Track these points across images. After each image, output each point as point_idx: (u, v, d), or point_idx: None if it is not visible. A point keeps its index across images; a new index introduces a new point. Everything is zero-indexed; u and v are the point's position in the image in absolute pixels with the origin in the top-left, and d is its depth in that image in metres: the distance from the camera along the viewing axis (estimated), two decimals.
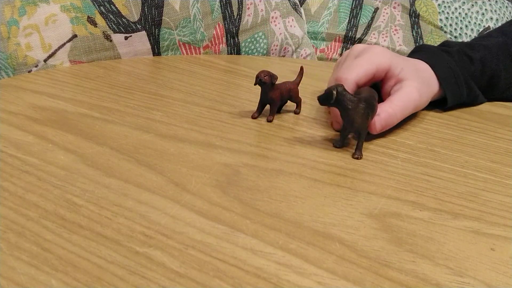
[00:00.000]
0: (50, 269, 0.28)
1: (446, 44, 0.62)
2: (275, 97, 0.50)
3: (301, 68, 0.54)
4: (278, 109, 0.53)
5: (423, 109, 0.57)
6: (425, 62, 0.57)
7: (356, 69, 0.50)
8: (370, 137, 0.49)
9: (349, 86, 0.49)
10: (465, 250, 0.33)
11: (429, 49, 0.60)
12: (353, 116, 0.43)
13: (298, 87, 0.53)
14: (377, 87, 0.54)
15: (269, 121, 0.50)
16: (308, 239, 0.32)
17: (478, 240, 0.34)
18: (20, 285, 0.27)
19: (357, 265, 0.31)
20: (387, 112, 0.49)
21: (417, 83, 0.52)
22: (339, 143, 0.46)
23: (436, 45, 0.63)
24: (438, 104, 0.59)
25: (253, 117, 0.51)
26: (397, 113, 0.50)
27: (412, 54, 0.60)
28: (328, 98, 0.43)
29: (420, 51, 0.60)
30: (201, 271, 0.29)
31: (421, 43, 0.93)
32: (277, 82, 0.50)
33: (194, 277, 0.28)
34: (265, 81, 0.48)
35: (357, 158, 0.44)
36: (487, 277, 0.31)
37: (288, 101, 0.53)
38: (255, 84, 0.49)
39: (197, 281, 0.28)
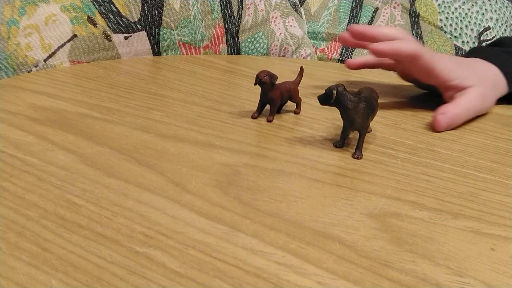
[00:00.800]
0: (50, 269, 0.28)
1: (500, 44, 0.64)
2: (275, 97, 0.50)
3: (301, 68, 0.54)
4: (278, 109, 0.53)
5: (424, 108, 0.57)
6: (492, 63, 0.58)
7: (421, 50, 0.51)
8: (370, 137, 0.49)
9: (400, 52, 0.51)
10: (465, 250, 0.33)
11: (490, 50, 0.62)
12: (353, 116, 0.43)
13: (298, 87, 0.53)
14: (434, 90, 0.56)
15: (269, 121, 0.50)
16: (308, 239, 0.32)
17: (478, 240, 0.34)
18: (20, 285, 0.27)
19: (357, 265, 0.31)
20: (453, 112, 0.51)
21: (482, 88, 0.54)
22: (340, 143, 0.46)
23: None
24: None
25: (253, 117, 0.51)
26: (462, 115, 0.52)
27: (471, 54, 0.62)
28: (328, 97, 0.43)
29: (481, 52, 0.62)
30: (201, 271, 0.29)
31: (421, 43, 0.93)
32: (277, 82, 0.50)
33: (194, 277, 0.28)
34: (265, 81, 0.48)
35: (357, 158, 0.44)
36: (487, 277, 0.31)
37: (288, 101, 0.53)
38: (255, 84, 0.49)
39: (197, 281, 0.28)
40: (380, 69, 0.63)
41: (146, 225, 0.32)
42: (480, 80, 0.55)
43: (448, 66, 0.53)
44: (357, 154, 0.44)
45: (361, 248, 0.32)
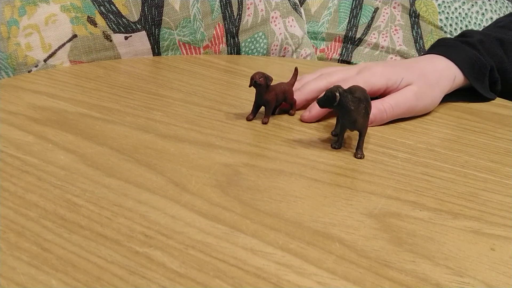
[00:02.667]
0: (50, 269, 0.28)
1: (464, 35, 0.64)
2: (270, 99, 0.50)
3: (296, 69, 0.54)
4: (273, 111, 0.52)
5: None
6: (444, 56, 0.59)
7: (369, 81, 0.52)
8: (370, 137, 0.49)
9: (321, 88, 0.52)
10: (465, 250, 0.33)
11: (448, 43, 0.62)
12: (355, 117, 0.43)
13: (293, 88, 0.53)
14: None
15: (264, 123, 0.50)
16: (308, 239, 0.32)
17: (478, 240, 0.34)
18: (20, 285, 0.27)
19: (357, 265, 0.31)
20: (377, 108, 0.50)
21: (417, 87, 0.53)
22: (338, 144, 0.46)
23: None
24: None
25: (248, 119, 0.51)
26: (387, 110, 0.51)
27: (431, 49, 0.62)
28: (331, 100, 0.43)
29: (439, 46, 0.62)
30: (201, 271, 0.29)
31: (421, 43, 0.93)
32: (272, 83, 0.50)
33: (194, 277, 0.28)
34: (260, 83, 0.48)
35: (360, 158, 0.44)
36: (487, 277, 0.31)
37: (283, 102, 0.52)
38: (250, 86, 0.49)
39: (197, 281, 0.28)
40: None
41: (146, 225, 0.32)
42: (417, 78, 0.54)
43: (381, 78, 0.53)
44: (360, 153, 0.44)
45: (361, 248, 0.32)
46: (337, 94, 0.42)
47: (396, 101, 0.52)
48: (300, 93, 0.54)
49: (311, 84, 0.54)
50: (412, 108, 0.54)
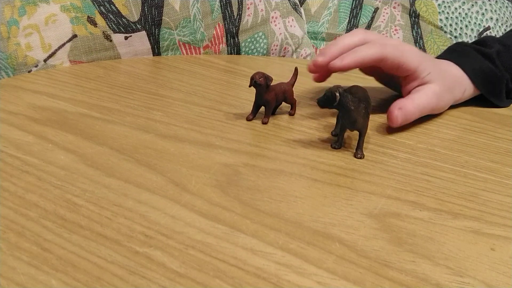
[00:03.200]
0: (50, 269, 0.28)
1: (483, 43, 0.62)
2: (270, 99, 0.50)
3: (296, 69, 0.54)
4: (272, 111, 0.52)
5: None
6: (458, 66, 0.58)
7: (390, 48, 0.51)
8: (370, 137, 0.49)
9: (375, 56, 0.50)
10: (465, 250, 0.33)
11: (464, 51, 0.61)
12: (355, 117, 0.43)
13: (293, 88, 0.53)
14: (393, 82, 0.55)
15: (264, 123, 0.50)
16: (308, 239, 0.32)
17: (478, 240, 0.34)
18: (20, 285, 0.27)
19: (357, 265, 0.31)
20: (409, 109, 0.50)
21: (439, 88, 0.53)
22: (338, 145, 0.46)
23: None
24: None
25: (248, 119, 0.51)
26: (416, 113, 0.52)
27: (447, 53, 0.61)
28: (331, 100, 0.43)
29: (455, 52, 0.61)
30: (201, 271, 0.29)
31: (421, 43, 0.93)
32: (272, 83, 0.50)
33: (194, 277, 0.28)
34: (260, 83, 0.48)
35: (360, 158, 0.44)
36: (487, 277, 0.31)
37: (283, 102, 0.52)
38: (249, 86, 0.49)
39: (197, 281, 0.28)
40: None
41: (146, 225, 0.32)
42: (440, 78, 0.54)
43: (415, 57, 0.52)
44: (359, 153, 0.44)
45: (361, 248, 0.32)
46: (337, 94, 0.42)
47: (423, 104, 0.52)
48: (334, 46, 0.53)
49: (346, 38, 0.53)
50: (433, 110, 0.54)
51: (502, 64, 0.59)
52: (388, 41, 0.54)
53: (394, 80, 0.57)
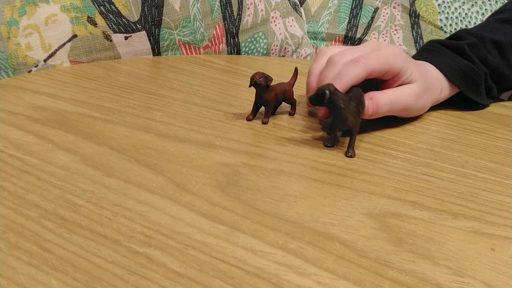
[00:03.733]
0: (50, 269, 0.28)
1: (457, 37, 0.61)
2: (270, 99, 0.50)
3: (296, 69, 0.54)
4: (272, 111, 0.52)
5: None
6: (434, 66, 0.57)
7: (373, 61, 0.49)
8: (370, 137, 0.49)
9: (362, 75, 0.48)
10: (465, 250, 0.33)
11: (438, 50, 0.60)
12: (345, 115, 0.43)
13: (293, 88, 0.53)
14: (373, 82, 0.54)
15: (264, 123, 0.50)
16: (308, 239, 0.32)
17: (478, 240, 0.34)
18: (20, 285, 0.27)
19: (357, 265, 0.31)
20: (379, 101, 0.49)
21: (418, 88, 0.52)
22: (330, 142, 0.46)
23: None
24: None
25: (248, 119, 0.51)
26: (386, 105, 0.49)
27: (421, 53, 0.60)
28: (321, 98, 0.43)
29: (429, 51, 0.60)
30: (201, 271, 0.29)
31: (421, 43, 0.93)
32: (272, 83, 0.50)
33: (194, 277, 0.28)
34: (260, 83, 0.48)
35: (351, 156, 0.44)
36: (487, 277, 0.31)
37: (283, 102, 0.52)
38: (250, 86, 0.49)
39: (197, 281, 0.28)
40: None
41: (146, 225, 0.32)
42: (421, 78, 0.53)
43: (399, 60, 0.51)
44: (350, 152, 0.44)
45: (361, 248, 0.32)
46: (327, 91, 0.42)
47: (396, 97, 0.50)
48: (310, 77, 0.52)
49: (314, 65, 0.53)
50: (409, 109, 0.52)
51: (476, 57, 0.58)
52: (363, 49, 0.52)
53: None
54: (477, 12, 0.95)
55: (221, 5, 0.74)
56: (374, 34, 0.93)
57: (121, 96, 0.54)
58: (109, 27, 0.65)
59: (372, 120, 0.50)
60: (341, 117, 0.44)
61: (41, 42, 0.61)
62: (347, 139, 0.47)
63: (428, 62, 0.57)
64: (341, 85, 0.47)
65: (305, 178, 0.40)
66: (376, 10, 0.93)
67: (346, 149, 0.45)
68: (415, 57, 0.59)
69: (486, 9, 0.95)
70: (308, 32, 0.90)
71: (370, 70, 0.48)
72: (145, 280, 0.28)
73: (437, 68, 0.57)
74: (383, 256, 0.32)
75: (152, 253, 0.30)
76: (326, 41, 0.91)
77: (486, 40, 0.60)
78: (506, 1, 0.92)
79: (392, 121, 0.53)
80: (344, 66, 0.49)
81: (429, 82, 0.55)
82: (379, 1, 0.93)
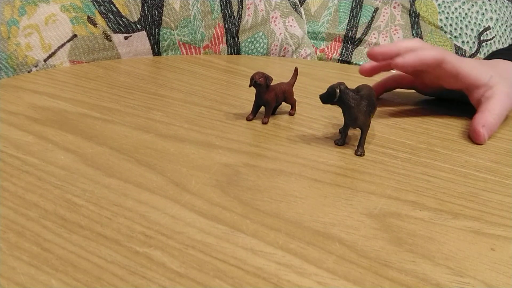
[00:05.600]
0: (50, 269, 0.28)
1: None
2: (270, 99, 0.50)
3: (295, 69, 0.54)
4: (272, 111, 0.52)
5: (424, 108, 0.57)
6: (508, 60, 0.58)
7: (446, 54, 0.51)
8: (370, 137, 0.49)
9: (427, 61, 0.51)
10: (465, 250, 0.33)
11: (505, 51, 0.62)
12: (356, 114, 0.43)
13: (293, 88, 0.53)
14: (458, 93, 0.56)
15: (264, 123, 0.50)
16: (308, 239, 0.32)
17: (478, 240, 0.34)
18: (20, 285, 0.27)
19: (357, 265, 0.31)
20: (491, 123, 0.51)
21: (507, 88, 0.54)
22: (341, 141, 0.46)
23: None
24: None
25: (248, 119, 0.51)
26: (498, 123, 0.52)
27: (491, 57, 0.62)
28: (331, 96, 0.43)
29: (500, 54, 0.62)
30: (201, 271, 0.29)
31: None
32: (272, 83, 0.50)
33: (194, 277, 0.28)
34: (260, 83, 0.48)
35: (360, 155, 0.44)
36: (487, 277, 0.31)
37: (283, 102, 0.52)
38: (250, 86, 0.49)
39: (197, 281, 0.28)
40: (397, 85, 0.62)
41: (146, 225, 0.32)
42: (504, 78, 0.54)
43: (474, 66, 0.53)
44: (360, 151, 0.44)
45: (361, 248, 0.32)
46: (337, 90, 0.43)
47: (500, 110, 0.52)
48: (392, 45, 0.53)
49: (403, 41, 0.54)
50: (509, 110, 0.54)
51: None
52: (444, 50, 0.55)
53: (443, 89, 0.57)
54: (477, 12, 0.95)
55: (221, 5, 0.74)
56: (374, 34, 0.93)
57: (121, 96, 0.54)
58: (109, 27, 0.65)
59: (372, 120, 0.50)
60: (351, 116, 0.44)
61: (41, 42, 0.61)
62: (354, 140, 0.47)
63: (503, 58, 0.59)
64: (413, 56, 0.50)
65: (305, 178, 0.40)
66: (376, 10, 0.93)
67: (351, 149, 0.45)
68: (487, 59, 0.62)
69: (486, 9, 0.95)
70: (308, 32, 0.90)
71: (444, 58, 0.51)
72: (145, 280, 0.28)
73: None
74: (383, 256, 0.32)
75: (152, 253, 0.30)
76: (326, 41, 0.91)
77: None
78: (507, 3, 0.92)
79: (392, 120, 0.53)
80: (424, 47, 0.52)
81: (510, 76, 0.56)
82: (379, 1, 0.93)
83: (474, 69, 0.53)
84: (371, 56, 0.52)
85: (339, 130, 0.49)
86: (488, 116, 0.51)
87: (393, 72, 0.59)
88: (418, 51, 0.51)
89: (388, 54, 0.51)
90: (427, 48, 0.52)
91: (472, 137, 0.51)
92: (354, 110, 0.43)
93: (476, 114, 0.52)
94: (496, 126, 0.52)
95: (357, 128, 0.45)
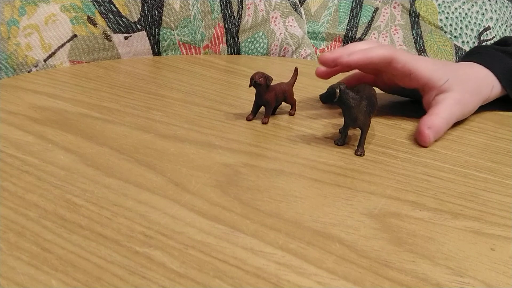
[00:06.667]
0: (50, 269, 0.28)
1: (504, 43, 0.62)
2: (270, 99, 0.50)
3: (295, 69, 0.54)
4: (272, 111, 0.52)
5: (423, 109, 0.57)
6: (482, 65, 0.57)
7: (396, 52, 0.51)
8: (370, 137, 0.49)
9: (376, 59, 0.50)
10: (465, 250, 0.33)
11: (487, 52, 0.61)
12: (356, 114, 0.43)
13: (293, 88, 0.53)
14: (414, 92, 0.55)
15: (264, 123, 0.50)
16: (308, 239, 0.32)
17: (478, 240, 0.34)
18: (20, 285, 0.27)
19: (357, 265, 0.31)
20: (437, 126, 0.50)
21: (460, 95, 0.53)
22: (341, 141, 0.46)
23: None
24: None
25: (248, 119, 0.51)
26: (444, 127, 0.51)
27: (468, 56, 0.61)
28: (331, 96, 0.43)
29: (477, 53, 0.61)
30: (201, 271, 0.29)
31: (421, 43, 0.93)
32: (272, 83, 0.50)
33: (194, 277, 0.28)
34: (260, 83, 0.48)
35: (360, 155, 0.44)
36: (487, 277, 0.31)
37: (283, 102, 0.52)
38: (249, 86, 0.49)
39: (197, 281, 0.28)
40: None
41: (146, 225, 0.32)
42: (460, 83, 0.53)
43: (430, 67, 0.52)
44: (360, 151, 0.44)
45: (361, 248, 0.32)
46: (337, 90, 0.43)
47: (447, 115, 0.52)
48: (344, 47, 0.53)
49: (357, 44, 0.54)
50: (459, 117, 0.54)
51: None
52: (397, 49, 0.54)
53: (403, 88, 0.56)
54: (477, 12, 0.95)
55: (221, 5, 0.74)
56: (374, 34, 0.93)
57: (121, 96, 0.54)
58: (109, 27, 0.65)
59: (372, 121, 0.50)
60: (351, 116, 0.44)
61: (41, 42, 0.61)
62: (354, 140, 0.47)
63: (478, 63, 0.58)
64: (362, 56, 0.50)
65: (305, 178, 0.40)
66: (376, 10, 0.93)
67: (351, 149, 0.45)
68: (461, 60, 0.61)
69: (486, 9, 0.95)
70: (308, 32, 0.90)
71: (394, 56, 0.50)
72: (145, 280, 0.28)
73: (485, 67, 0.57)
74: (383, 256, 0.32)
75: (152, 253, 0.30)
76: (326, 41, 0.91)
77: None
78: (507, 3, 0.92)
79: (392, 120, 0.53)
80: (374, 46, 0.52)
81: (472, 84, 0.55)
82: (379, 1, 0.93)
83: (430, 71, 0.52)
84: (322, 63, 0.52)
85: (339, 130, 0.49)
86: (435, 119, 0.50)
87: (356, 71, 0.58)
88: (367, 50, 0.51)
89: (339, 60, 0.51)
90: (377, 47, 0.51)
91: (418, 139, 0.49)
92: (354, 110, 0.43)
93: (424, 116, 0.51)
94: (442, 130, 0.51)
95: (357, 128, 0.45)
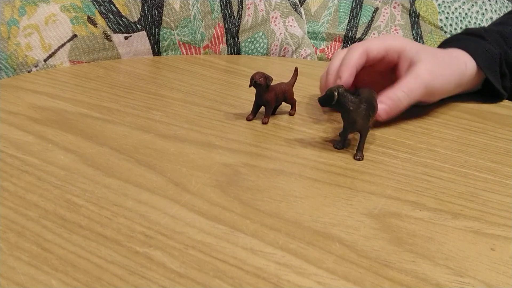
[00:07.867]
0: (50, 269, 0.28)
1: (468, 31, 0.63)
2: (270, 99, 0.50)
3: (296, 69, 0.54)
4: (272, 111, 0.52)
5: (424, 108, 0.57)
6: (457, 47, 0.58)
7: (371, 41, 0.52)
8: (370, 137, 0.49)
9: (356, 61, 0.51)
10: (465, 250, 0.33)
11: (453, 38, 0.62)
12: (354, 117, 0.43)
13: (293, 88, 0.52)
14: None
15: (264, 123, 0.50)
16: (308, 239, 0.32)
17: (478, 240, 0.34)
18: (20, 285, 0.27)
19: (357, 265, 0.31)
20: (391, 99, 0.49)
21: (430, 64, 0.52)
22: (340, 145, 0.46)
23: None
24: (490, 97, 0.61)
25: (248, 119, 0.51)
26: (402, 99, 0.50)
27: (443, 45, 0.62)
28: (329, 99, 0.43)
29: (455, 40, 0.62)
30: (201, 271, 0.29)
31: (421, 43, 0.93)
32: (272, 83, 0.50)
33: (194, 277, 0.28)
34: (260, 83, 0.48)
35: (359, 159, 0.44)
36: (487, 277, 0.31)
37: (283, 102, 0.52)
38: (250, 86, 0.49)
39: (197, 281, 0.28)
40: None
41: (146, 225, 0.32)
42: (430, 54, 0.53)
43: (399, 41, 0.53)
44: (359, 155, 0.44)
45: (361, 248, 0.32)
46: (335, 93, 0.42)
47: (409, 87, 0.50)
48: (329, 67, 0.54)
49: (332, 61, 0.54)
50: (428, 88, 0.51)
51: (492, 41, 0.60)
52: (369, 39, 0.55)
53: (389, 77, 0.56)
54: (477, 12, 0.95)
55: (221, 5, 0.74)
56: (374, 34, 0.93)
57: (121, 96, 0.54)
58: (109, 27, 0.65)
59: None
60: (349, 120, 0.43)
61: (41, 42, 0.61)
62: (353, 142, 0.47)
63: (451, 47, 0.59)
64: (345, 69, 0.50)
65: (305, 178, 0.40)
66: (376, 10, 0.93)
67: (351, 150, 0.45)
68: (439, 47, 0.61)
69: (486, 9, 0.95)
70: (308, 32, 0.90)
71: (366, 48, 0.51)
72: (145, 280, 0.28)
73: (458, 48, 0.58)
74: (383, 256, 0.32)
75: (152, 253, 0.30)
76: (326, 41, 0.91)
77: (493, 31, 0.62)
78: (507, 3, 0.92)
79: (392, 120, 0.53)
80: (346, 53, 0.52)
81: (442, 56, 0.55)
82: (379, 1, 0.93)
83: (400, 43, 0.53)
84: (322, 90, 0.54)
85: (339, 133, 0.49)
86: (391, 93, 0.50)
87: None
88: (345, 60, 0.52)
89: (330, 81, 0.52)
90: (351, 51, 0.52)
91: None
92: (353, 113, 0.43)
93: (388, 88, 0.50)
94: (400, 103, 0.49)
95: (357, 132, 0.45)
